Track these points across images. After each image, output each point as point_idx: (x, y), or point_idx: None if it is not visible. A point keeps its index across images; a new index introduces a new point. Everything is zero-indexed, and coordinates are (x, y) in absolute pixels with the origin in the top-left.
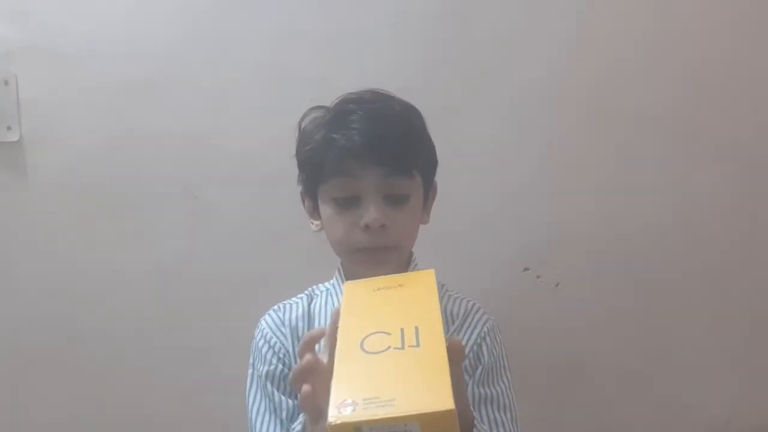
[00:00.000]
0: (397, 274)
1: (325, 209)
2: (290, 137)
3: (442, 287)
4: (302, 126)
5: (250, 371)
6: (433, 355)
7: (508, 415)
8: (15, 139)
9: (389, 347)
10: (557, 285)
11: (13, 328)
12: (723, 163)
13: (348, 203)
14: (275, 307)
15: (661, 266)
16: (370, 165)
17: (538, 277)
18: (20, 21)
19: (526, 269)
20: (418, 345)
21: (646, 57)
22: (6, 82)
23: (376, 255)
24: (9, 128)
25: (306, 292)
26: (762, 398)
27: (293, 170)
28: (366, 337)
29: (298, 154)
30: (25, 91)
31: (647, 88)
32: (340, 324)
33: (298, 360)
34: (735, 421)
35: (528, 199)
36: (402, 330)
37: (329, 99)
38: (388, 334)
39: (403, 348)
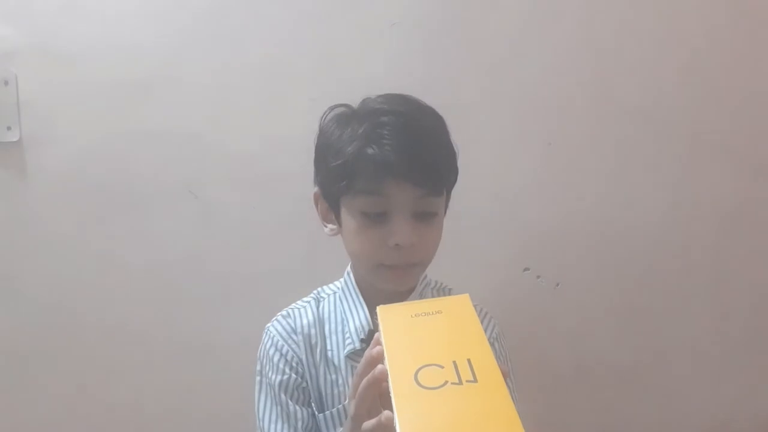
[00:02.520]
0: (432, 300)
1: (350, 220)
2: (290, 137)
3: (449, 291)
4: (325, 128)
5: (258, 378)
6: (494, 391)
7: None
8: (15, 139)
9: (446, 382)
10: (557, 285)
11: (13, 328)
12: (723, 163)
13: (376, 218)
14: (283, 313)
15: (661, 266)
16: (404, 185)
17: (538, 277)
18: (20, 21)
19: (526, 269)
20: (475, 380)
21: (646, 57)
22: (6, 82)
23: (401, 271)
24: (9, 128)
25: (312, 295)
26: (762, 398)
27: (293, 170)
28: (419, 369)
29: (321, 160)
30: (25, 91)
31: (647, 88)
32: (387, 355)
33: (355, 379)
34: (735, 421)
35: (528, 199)
36: (455, 363)
37: (329, 99)
38: (441, 367)
39: (461, 384)
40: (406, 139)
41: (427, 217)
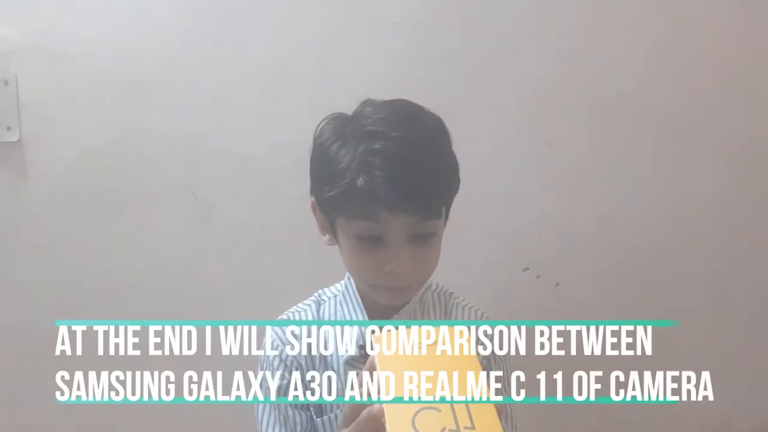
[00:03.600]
0: (430, 327)
1: (345, 241)
2: (290, 137)
3: (450, 296)
4: (320, 142)
5: (257, 382)
6: None
7: (509, 424)
8: (15, 139)
9: (444, 429)
10: (557, 285)
11: (13, 328)
12: (723, 163)
13: (372, 242)
14: (283, 317)
15: (661, 266)
16: (399, 213)
17: (538, 277)
18: (20, 21)
19: (526, 269)
20: (473, 427)
21: (646, 57)
22: (6, 82)
23: (398, 292)
24: (9, 128)
25: (313, 298)
26: (762, 398)
27: (293, 170)
28: (416, 413)
29: (316, 176)
30: (25, 91)
31: (647, 88)
32: (383, 392)
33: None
34: (735, 420)
35: (528, 199)
36: (452, 407)
37: (329, 99)
38: (438, 411)
39: (459, 431)
40: (399, 167)
41: (425, 239)
